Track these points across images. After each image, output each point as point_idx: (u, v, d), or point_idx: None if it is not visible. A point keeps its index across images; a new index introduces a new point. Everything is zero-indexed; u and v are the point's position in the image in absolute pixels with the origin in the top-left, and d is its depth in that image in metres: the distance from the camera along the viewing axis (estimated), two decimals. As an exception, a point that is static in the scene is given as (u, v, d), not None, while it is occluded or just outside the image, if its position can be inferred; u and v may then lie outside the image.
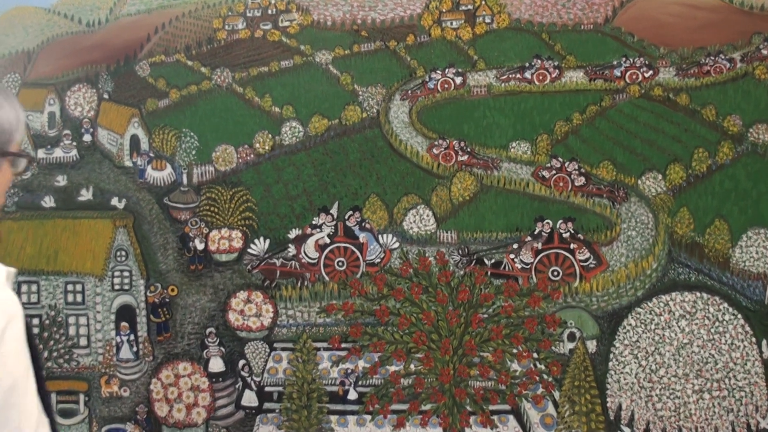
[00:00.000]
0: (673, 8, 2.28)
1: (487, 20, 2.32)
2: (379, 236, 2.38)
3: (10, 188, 2.44)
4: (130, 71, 2.43)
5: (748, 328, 2.27)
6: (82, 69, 2.44)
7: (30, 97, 2.45)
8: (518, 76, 2.32)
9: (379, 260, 2.37)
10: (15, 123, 1.23)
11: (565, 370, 2.35)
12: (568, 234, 2.32)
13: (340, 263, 2.37)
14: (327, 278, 2.39)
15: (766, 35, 2.29)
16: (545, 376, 2.36)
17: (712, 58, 2.28)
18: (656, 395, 2.31)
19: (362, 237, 2.37)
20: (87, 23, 2.43)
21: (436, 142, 2.34)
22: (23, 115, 1.23)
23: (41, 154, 2.48)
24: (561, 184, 2.32)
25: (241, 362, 2.44)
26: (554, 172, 2.33)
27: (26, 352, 1.15)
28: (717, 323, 2.28)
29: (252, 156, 2.39)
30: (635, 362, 2.31)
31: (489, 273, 2.36)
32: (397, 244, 2.38)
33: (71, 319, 2.50)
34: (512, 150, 2.31)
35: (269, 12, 2.38)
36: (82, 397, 2.51)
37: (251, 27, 2.38)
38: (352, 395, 2.42)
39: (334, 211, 2.38)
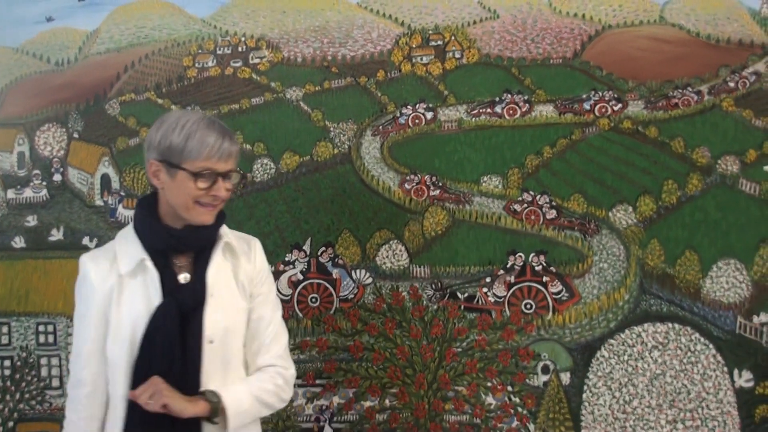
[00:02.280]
0: (640, 42, 2.41)
1: (457, 55, 2.44)
2: (352, 272, 2.51)
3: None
4: (100, 110, 2.54)
5: (720, 358, 2.43)
6: (52, 108, 2.55)
7: (-1, 137, 2.53)
8: (489, 110, 2.44)
9: (352, 296, 2.49)
10: (181, 143, 1.73)
11: (539, 402, 2.49)
12: (540, 267, 2.44)
13: (314, 299, 2.48)
14: (300, 314, 2.51)
15: (732, 68, 2.42)
16: (520, 409, 2.50)
17: (680, 90, 2.43)
18: (630, 426, 2.46)
19: (335, 273, 2.49)
20: (56, 62, 2.54)
21: (408, 177, 2.46)
22: (197, 141, 1.73)
23: (11, 194, 2.59)
24: (533, 217, 2.44)
25: (216, 400, 2.50)
26: (526, 205, 2.44)
27: None
28: (689, 353, 2.43)
29: (223, 193, 2.46)
30: (609, 393, 2.44)
31: (462, 307, 2.51)
32: (370, 280, 2.51)
33: (43, 360, 2.61)
34: (484, 184, 2.44)
35: (239, 49, 2.49)
36: (55, 438, 2.58)
37: (221, 65, 2.48)
38: (328, 431, 2.49)
39: (306, 247, 2.49)
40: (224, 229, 1.88)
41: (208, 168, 1.74)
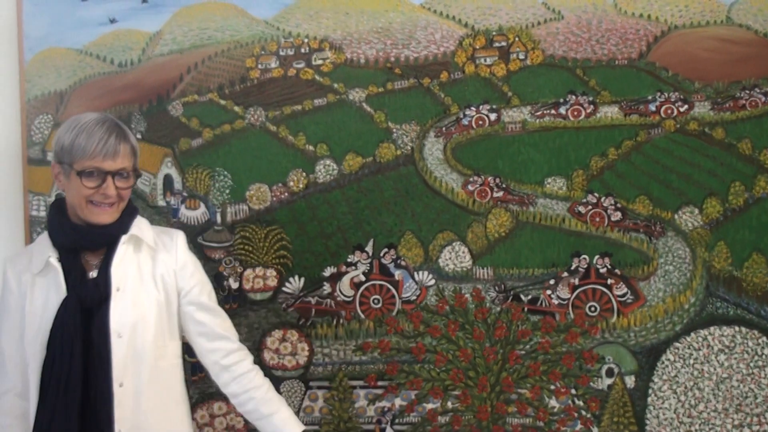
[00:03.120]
0: (707, 43, 2.43)
1: (521, 56, 2.47)
2: (415, 273, 2.54)
3: (43, 229, 2.58)
4: (163, 111, 2.60)
5: None
6: (115, 109, 2.61)
7: (63, 138, 2.56)
8: (553, 111, 2.47)
9: (414, 297, 2.52)
10: (69, 143, 1.83)
11: (603, 406, 2.53)
12: (605, 269, 2.46)
13: (376, 301, 2.51)
14: (363, 316, 2.57)
15: (801, 68, 2.41)
16: (584, 413, 2.53)
17: (748, 91, 2.45)
18: (696, 430, 2.51)
19: (398, 274, 2.52)
20: (119, 64, 2.59)
21: (471, 179, 2.49)
22: (84, 140, 1.82)
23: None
24: (597, 219, 2.46)
25: (277, 401, 2.54)
26: (590, 207, 2.47)
27: None
28: (756, 357, 2.48)
29: (286, 194, 2.54)
30: (674, 397, 2.47)
31: (526, 309, 2.55)
32: (432, 281, 2.53)
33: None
34: (548, 186, 2.46)
35: (302, 51, 2.53)
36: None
37: (284, 66, 2.53)
38: None
39: (369, 248, 2.52)
40: (140, 225, 1.98)
41: (94, 167, 1.82)
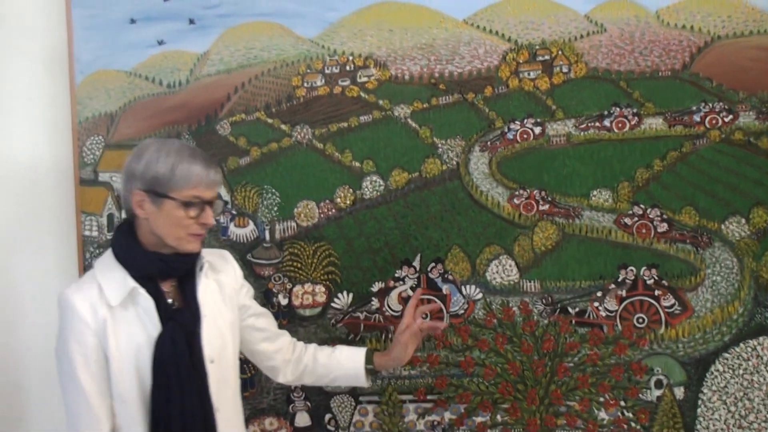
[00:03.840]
0: (751, 53, 2.47)
1: (565, 70, 2.52)
2: (462, 287, 2.58)
3: (96, 249, 2.64)
4: (211, 130, 2.67)
5: None
6: (164, 129, 2.69)
7: (113, 159, 2.73)
8: (597, 124, 2.51)
9: (462, 311, 2.56)
10: (167, 171, 1.82)
11: (653, 417, 2.58)
12: (652, 280, 2.51)
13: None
14: (411, 330, 2.54)
15: None
16: (633, 424, 2.59)
17: (792, 100, 2.45)
18: (747, 441, 2.47)
19: (445, 289, 2.58)
20: (168, 84, 2.67)
21: (516, 192, 2.54)
22: (185, 168, 1.83)
23: (125, 214, 2.65)
24: (644, 230, 2.50)
25: (327, 416, 2.63)
26: (636, 219, 2.51)
27: None
28: None
29: (333, 211, 2.60)
30: (724, 408, 2.51)
31: (573, 321, 2.60)
32: (480, 295, 2.59)
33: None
34: (593, 198, 2.50)
35: (347, 68, 2.60)
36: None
37: (330, 84, 2.59)
38: None
39: (416, 263, 2.58)
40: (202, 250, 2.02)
41: (197, 196, 1.86)
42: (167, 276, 1.91)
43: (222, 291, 2.03)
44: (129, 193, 1.87)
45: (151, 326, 1.84)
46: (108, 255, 1.91)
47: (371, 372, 2.28)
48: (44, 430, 2.82)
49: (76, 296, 1.82)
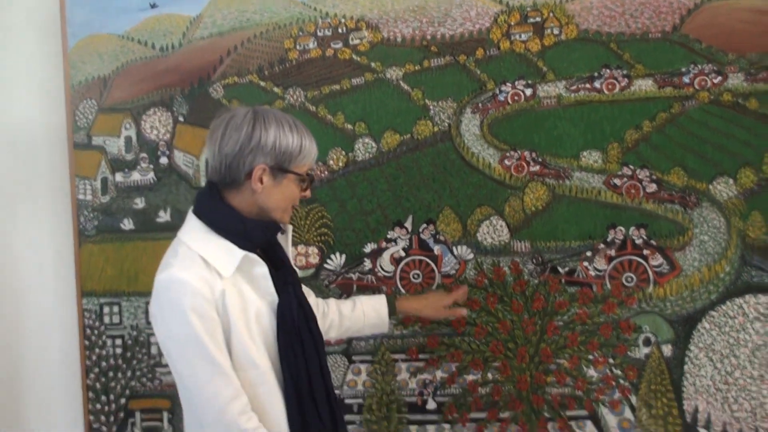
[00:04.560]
0: (741, 14, 2.50)
1: (556, 32, 2.55)
2: (454, 248, 2.63)
3: (90, 212, 2.67)
4: (204, 93, 2.69)
5: None
6: (157, 93, 2.71)
7: (107, 123, 2.74)
8: (587, 86, 2.55)
9: (454, 272, 2.61)
10: (296, 148, 1.82)
11: (641, 374, 2.64)
12: (641, 240, 2.54)
13: (416, 276, 2.61)
14: (403, 291, 2.65)
15: (834, 38, 2.47)
16: (622, 381, 2.64)
17: (781, 62, 2.48)
18: (732, 397, 2.59)
19: (437, 249, 2.61)
20: (160, 48, 2.70)
21: (507, 154, 2.58)
22: (309, 143, 1.86)
23: (119, 177, 2.75)
24: (633, 191, 2.54)
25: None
26: (626, 179, 2.55)
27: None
28: None
29: (326, 173, 2.64)
30: (710, 365, 2.56)
31: (563, 281, 2.65)
32: (471, 255, 2.64)
33: (153, 339, 2.74)
34: (583, 159, 2.54)
35: (339, 31, 2.62)
36: (165, 414, 2.74)
37: (322, 46, 2.62)
38: (431, 405, 2.70)
39: (408, 224, 2.62)
40: None
41: (310, 171, 1.91)
42: (265, 244, 1.91)
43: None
44: (248, 165, 1.80)
45: (267, 292, 1.84)
46: (197, 226, 1.84)
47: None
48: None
49: (188, 274, 1.73)
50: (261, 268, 1.83)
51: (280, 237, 1.99)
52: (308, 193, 1.92)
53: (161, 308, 1.74)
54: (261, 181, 1.80)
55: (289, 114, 1.90)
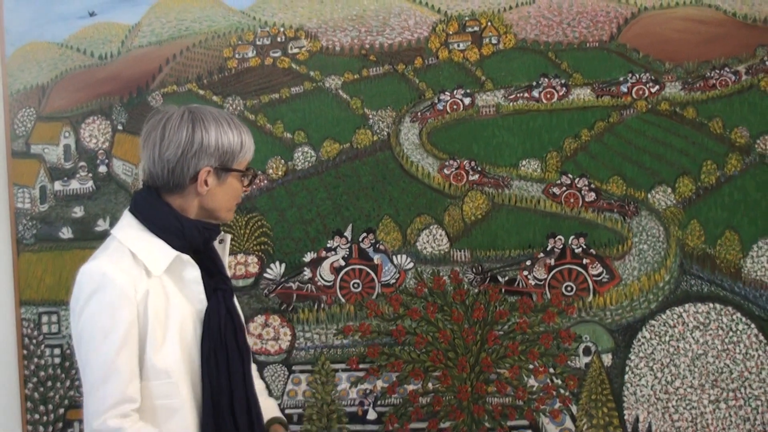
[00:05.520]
0: (677, 24, 2.54)
1: (494, 41, 2.59)
2: (394, 257, 2.66)
3: (29, 221, 2.68)
4: (143, 102, 2.72)
5: (762, 337, 2.57)
6: (96, 101, 2.75)
7: (45, 131, 2.77)
8: (526, 95, 2.58)
9: (394, 281, 2.63)
10: (237, 144, 1.79)
11: (581, 384, 2.65)
12: (580, 249, 2.58)
13: (356, 285, 2.63)
14: (343, 300, 2.69)
15: (770, 47, 2.51)
16: (562, 391, 2.66)
17: (718, 71, 2.55)
18: (673, 406, 2.60)
19: (377, 258, 2.64)
20: (99, 56, 2.73)
21: (446, 163, 2.60)
22: (248, 138, 1.83)
23: (58, 186, 2.77)
24: (572, 200, 2.57)
25: (261, 385, 2.65)
26: (565, 188, 2.58)
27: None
28: (731, 333, 2.57)
29: (265, 182, 2.66)
30: (651, 374, 2.59)
31: (503, 290, 2.67)
32: (411, 265, 2.66)
33: (92, 348, 2.71)
34: (522, 168, 2.57)
35: (278, 39, 2.66)
36: (106, 425, 2.72)
37: (261, 55, 2.65)
38: (372, 415, 2.73)
39: (348, 233, 2.64)
40: None
41: (249, 165, 1.86)
42: (200, 246, 1.83)
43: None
44: (192, 169, 1.75)
45: (197, 298, 1.78)
46: (132, 224, 1.78)
47: None
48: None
49: (114, 269, 1.67)
50: (193, 272, 1.77)
51: (217, 246, 1.92)
52: (248, 187, 1.89)
53: (78, 299, 1.68)
54: (206, 184, 1.76)
55: (219, 109, 1.87)
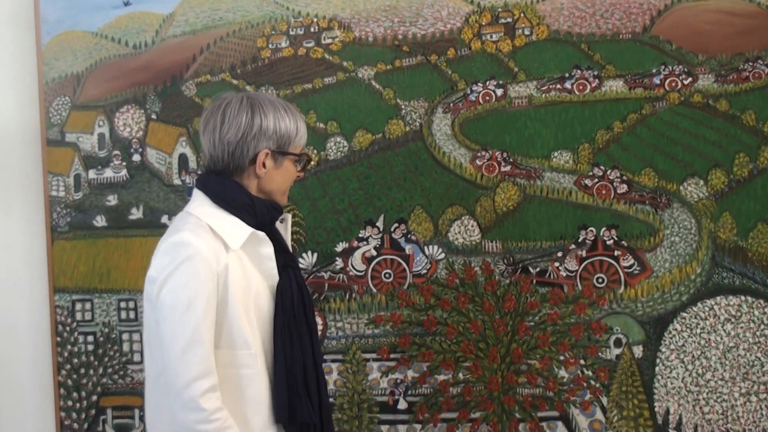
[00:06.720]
0: (710, 16, 2.55)
1: (527, 32, 2.61)
2: (425, 247, 2.68)
3: (63, 209, 2.73)
4: (177, 91, 2.76)
5: None
6: (130, 90, 2.78)
7: (80, 120, 2.80)
8: (558, 86, 2.61)
9: (425, 271, 2.66)
10: (294, 130, 1.89)
11: (612, 375, 2.67)
12: (612, 241, 2.60)
13: (387, 275, 2.66)
14: (374, 290, 2.72)
15: (803, 39, 2.53)
16: (593, 382, 2.67)
17: (751, 63, 2.56)
18: (703, 399, 2.62)
19: (408, 249, 2.67)
20: (134, 45, 2.76)
21: (479, 154, 2.63)
22: (302, 124, 1.93)
23: (92, 174, 2.81)
24: (603, 192, 2.59)
25: (292, 375, 2.70)
26: (596, 180, 2.60)
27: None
28: (762, 326, 2.59)
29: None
30: (682, 366, 2.60)
31: (534, 281, 2.69)
32: (442, 255, 2.69)
33: (125, 336, 2.83)
34: (554, 159, 2.60)
35: (312, 30, 2.69)
36: (137, 411, 2.79)
37: (294, 45, 2.69)
38: (402, 405, 2.75)
39: (380, 223, 2.67)
40: None
41: (304, 150, 1.97)
42: (267, 226, 1.90)
43: None
44: (252, 151, 1.83)
45: (270, 274, 1.86)
46: (205, 202, 1.85)
47: None
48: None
49: (199, 241, 1.74)
50: (267, 248, 1.85)
51: (278, 225, 2.00)
52: (302, 173, 1.96)
53: (165, 268, 1.73)
54: (264, 166, 1.84)
55: (275, 96, 1.96)
